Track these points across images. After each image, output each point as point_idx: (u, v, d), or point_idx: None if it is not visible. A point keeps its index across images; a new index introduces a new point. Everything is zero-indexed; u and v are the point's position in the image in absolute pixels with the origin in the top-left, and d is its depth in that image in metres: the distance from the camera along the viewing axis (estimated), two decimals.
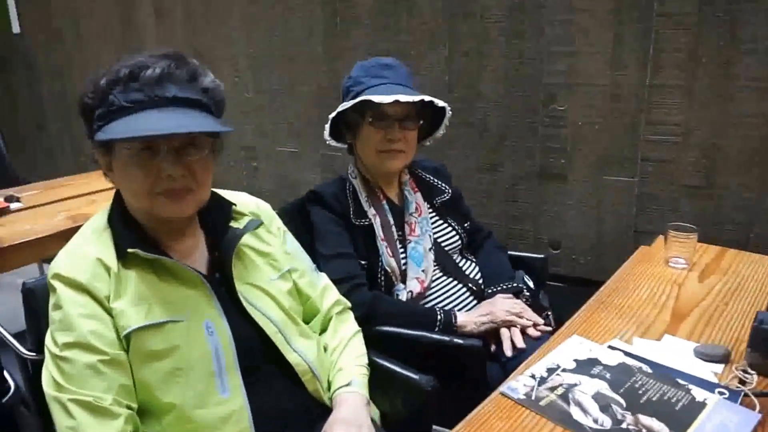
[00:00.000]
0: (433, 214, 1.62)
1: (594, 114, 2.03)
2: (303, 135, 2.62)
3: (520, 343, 1.35)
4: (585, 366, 1.05)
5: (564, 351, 1.10)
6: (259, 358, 1.06)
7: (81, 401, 0.90)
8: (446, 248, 1.58)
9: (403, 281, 1.48)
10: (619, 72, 1.96)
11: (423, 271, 1.49)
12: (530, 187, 2.20)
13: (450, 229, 1.62)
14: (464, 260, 1.63)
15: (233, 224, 1.12)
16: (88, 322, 0.93)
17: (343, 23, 2.42)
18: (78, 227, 1.06)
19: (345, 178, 1.58)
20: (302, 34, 2.52)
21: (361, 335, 1.25)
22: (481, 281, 1.59)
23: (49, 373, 0.93)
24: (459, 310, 1.50)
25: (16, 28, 3.39)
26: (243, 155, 2.82)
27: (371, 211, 1.52)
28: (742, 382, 1.00)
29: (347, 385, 1.11)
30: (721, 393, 0.96)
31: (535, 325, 1.40)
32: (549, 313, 1.52)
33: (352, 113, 1.48)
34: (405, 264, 1.49)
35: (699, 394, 0.96)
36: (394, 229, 1.52)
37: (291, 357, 1.08)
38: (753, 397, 0.95)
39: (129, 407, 0.94)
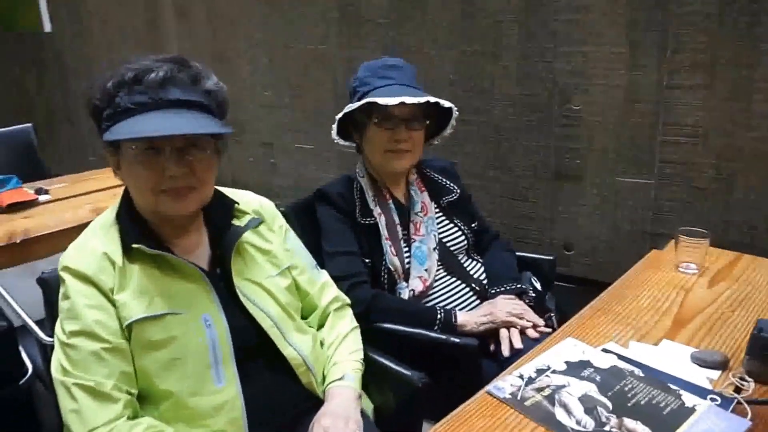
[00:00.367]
0: (440, 213, 1.63)
1: (609, 114, 2.01)
2: (320, 132, 2.66)
3: (518, 344, 1.34)
4: (575, 368, 1.04)
5: (556, 352, 1.10)
6: (255, 351, 1.09)
7: (84, 386, 0.94)
8: (451, 248, 1.59)
9: (406, 279, 1.49)
10: (635, 72, 1.93)
11: (426, 270, 1.50)
12: (544, 188, 2.19)
13: (456, 229, 1.62)
14: (470, 260, 1.63)
15: (235, 222, 1.16)
16: (93, 312, 0.98)
17: (358, 22, 2.44)
18: None
19: (353, 177, 1.60)
20: (319, 33, 2.56)
21: (358, 332, 1.27)
22: (485, 281, 1.59)
23: (57, 358, 0.98)
24: (461, 309, 1.50)
25: (47, 27, 3.54)
26: (261, 152, 2.88)
27: (377, 210, 1.53)
28: (738, 389, 0.99)
29: (340, 379, 1.14)
30: (713, 399, 0.95)
31: (534, 327, 1.39)
32: (552, 314, 1.51)
33: (359, 114, 1.49)
34: (408, 263, 1.50)
35: (689, 399, 0.95)
36: (399, 228, 1.53)
37: (286, 351, 1.11)
38: (745, 404, 0.93)
39: (129, 393, 0.98)
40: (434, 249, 1.54)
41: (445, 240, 1.59)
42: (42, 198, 2.08)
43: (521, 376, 1.03)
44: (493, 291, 1.54)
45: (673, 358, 1.08)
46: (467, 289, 1.55)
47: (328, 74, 2.58)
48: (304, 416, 1.09)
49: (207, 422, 1.01)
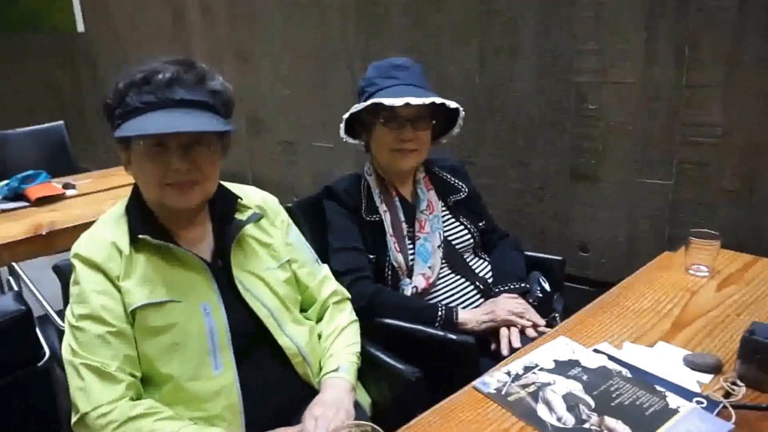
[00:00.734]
0: (446, 212, 1.64)
1: (627, 113, 1.98)
2: (338, 130, 2.70)
3: (516, 343, 1.35)
4: (563, 367, 1.05)
5: (546, 351, 1.10)
6: (254, 341, 1.13)
7: (90, 366, 1.01)
8: (456, 246, 1.60)
9: (410, 276, 1.51)
10: (653, 70, 1.90)
11: (429, 267, 1.51)
12: (560, 187, 2.17)
13: (462, 227, 1.63)
14: (477, 259, 1.64)
15: (238, 216, 1.20)
16: (100, 297, 1.04)
17: (376, 22, 2.47)
18: None
19: (361, 175, 1.63)
20: (337, 32, 2.60)
21: (356, 325, 1.30)
22: (490, 280, 1.59)
23: (66, 340, 1.05)
24: (465, 307, 1.51)
25: (81, 28, 3.69)
26: (281, 150, 2.94)
27: (382, 207, 1.56)
28: (728, 394, 0.97)
29: (335, 370, 1.17)
30: (699, 402, 0.94)
31: (535, 326, 1.39)
32: (557, 315, 1.50)
33: (366, 114, 1.52)
34: (412, 260, 1.52)
35: (674, 401, 0.94)
36: (404, 225, 1.55)
37: (282, 340, 1.14)
38: (731, 408, 0.92)
39: (132, 375, 1.04)
40: (439, 247, 1.55)
41: (450, 238, 1.60)
42: (69, 192, 2.19)
43: (508, 373, 1.04)
44: (497, 290, 1.54)
45: (666, 360, 1.07)
46: (471, 287, 1.56)
47: (347, 73, 2.61)
48: (300, 405, 1.13)
49: (205, 406, 1.05)
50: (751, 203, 1.84)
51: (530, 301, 1.51)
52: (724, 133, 1.83)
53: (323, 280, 1.31)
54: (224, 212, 1.20)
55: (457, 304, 1.51)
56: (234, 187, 1.25)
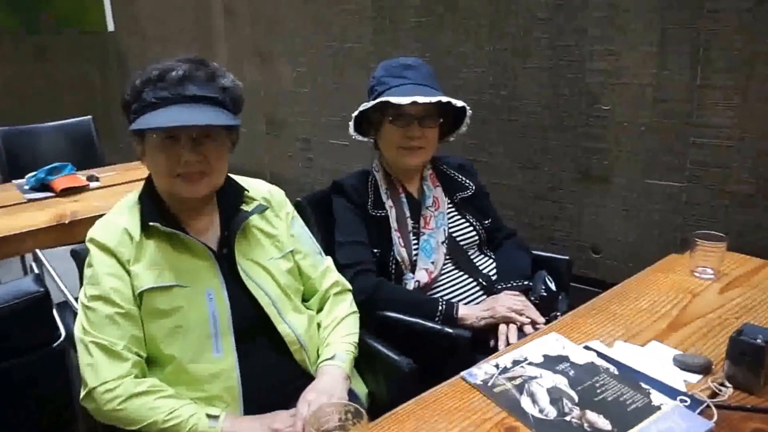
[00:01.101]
0: (452, 209, 1.66)
1: (639, 115, 1.97)
2: None
3: (513, 339, 1.36)
4: (551, 362, 1.06)
5: (536, 346, 1.12)
6: (253, 327, 1.18)
7: (99, 344, 1.07)
8: (461, 243, 1.62)
9: (413, 271, 1.54)
10: (666, 72, 1.89)
11: (432, 262, 1.54)
12: (571, 189, 2.17)
13: (467, 224, 1.65)
14: (481, 256, 1.66)
15: (244, 207, 1.25)
16: (111, 279, 1.10)
17: (391, 23, 2.50)
18: None
19: (369, 171, 1.67)
20: (354, 33, 2.65)
21: (356, 317, 1.33)
22: (494, 277, 1.61)
23: (79, 319, 1.12)
24: (467, 303, 1.53)
25: (110, 27, 3.82)
26: (299, 147, 3.00)
27: (388, 203, 1.59)
28: (715, 394, 0.97)
29: (331, 358, 1.21)
30: (682, 401, 0.95)
31: (533, 324, 1.41)
32: (558, 314, 1.51)
33: (375, 112, 1.55)
34: (416, 254, 1.55)
35: (657, 398, 0.95)
36: (409, 221, 1.58)
37: (281, 328, 1.19)
38: (713, 408, 0.92)
39: (138, 355, 1.10)
40: (443, 242, 1.57)
41: (455, 234, 1.62)
42: (92, 184, 2.28)
43: (497, 365, 1.06)
44: (499, 287, 1.56)
45: (656, 359, 1.07)
46: (474, 283, 1.58)
47: (364, 72, 2.65)
48: (296, 391, 1.16)
49: (204, 387, 1.11)
50: (765, 207, 1.81)
51: (532, 299, 1.52)
52: (738, 135, 1.81)
53: (325, 272, 1.35)
54: (231, 203, 1.25)
55: (460, 300, 1.53)
56: (242, 180, 1.30)
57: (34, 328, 1.29)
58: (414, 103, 1.44)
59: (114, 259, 1.12)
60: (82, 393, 1.07)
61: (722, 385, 0.99)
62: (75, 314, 1.53)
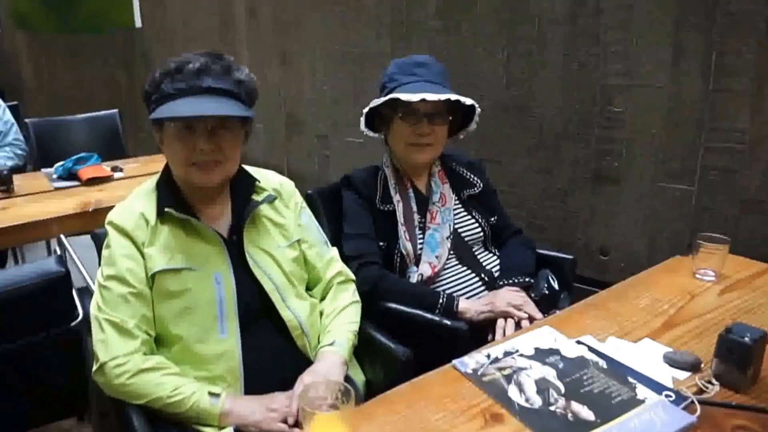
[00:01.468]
0: (459, 205, 1.69)
1: (651, 117, 1.97)
2: None
3: (510, 333, 1.39)
4: (542, 354, 1.09)
5: (528, 338, 1.14)
6: (257, 311, 1.23)
7: (111, 321, 1.13)
8: (466, 238, 1.65)
9: (417, 264, 1.57)
10: (679, 75, 1.89)
11: (436, 257, 1.57)
12: (583, 191, 2.18)
13: (473, 221, 1.68)
14: (486, 252, 1.68)
15: (254, 197, 1.31)
16: (127, 260, 1.17)
17: (408, 26, 2.54)
18: None
19: (379, 166, 1.71)
20: (372, 35, 2.69)
21: (357, 306, 1.38)
22: (497, 273, 1.63)
23: (94, 297, 1.18)
24: (468, 297, 1.56)
25: (138, 23, 3.94)
26: (317, 144, 3.06)
27: (396, 198, 1.63)
28: (701, 391, 0.99)
29: (330, 344, 1.25)
30: (667, 396, 0.96)
31: (531, 320, 1.43)
32: (558, 311, 1.53)
33: (385, 108, 1.59)
34: (421, 248, 1.58)
35: (643, 392, 0.97)
36: (416, 215, 1.62)
37: (284, 313, 1.24)
38: (697, 404, 0.94)
39: (147, 334, 1.16)
40: (447, 238, 1.60)
41: (460, 230, 1.65)
42: (116, 175, 2.37)
43: (488, 356, 1.09)
44: (501, 283, 1.58)
45: (646, 355, 1.09)
46: (476, 278, 1.61)
47: (380, 74, 2.70)
48: (296, 375, 1.21)
49: (208, 367, 1.16)
50: None
51: (533, 296, 1.54)
52: (750, 140, 1.80)
53: (330, 261, 1.39)
54: (243, 193, 1.30)
55: (462, 294, 1.56)
56: (254, 171, 1.36)
57: (53, 307, 1.36)
58: (423, 100, 1.48)
59: (130, 241, 1.18)
60: (94, 367, 1.13)
61: (709, 382, 1.00)
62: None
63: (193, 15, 3.65)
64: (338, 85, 2.91)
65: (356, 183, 1.65)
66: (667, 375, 1.03)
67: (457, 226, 1.65)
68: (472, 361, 1.07)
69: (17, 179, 2.30)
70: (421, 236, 1.60)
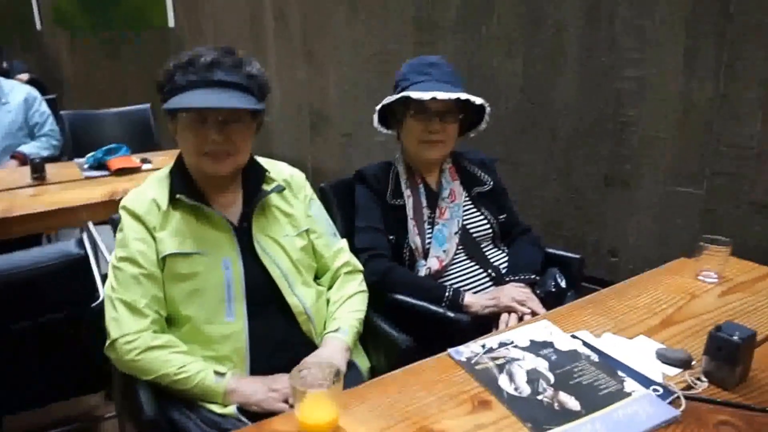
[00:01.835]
0: (469, 202, 1.72)
1: (663, 122, 1.97)
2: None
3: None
4: (536, 346, 1.12)
5: (524, 331, 1.17)
6: (264, 296, 1.28)
7: (124, 300, 1.20)
8: (474, 234, 1.68)
9: (425, 258, 1.61)
10: (691, 81, 1.88)
11: (444, 251, 1.61)
12: (596, 193, 2.18)
13: (482, 217, 1.71)
14: (494, 248, 1.71)
15: (264, 186, 1.36)
16: (138, 243, 1.23)
17: (430, 30, 2.59)
18: None
19: (391, 162, 1.75)
20: (395, 38, 2.75)
21: (364, 295, 1.42)
22: (504, 269, 1.66)
23: (109, 278, 1.25)
24: (475, 292, 1.59)
25: (171, 23, 4.06)
26: (340, 142, 3.12)
27: (407, 193, 1.67)
28: (690, 387, 1.00)
29: (335, 330, 1.30)
30: (655, 390, 0.98)
31: (534, 315, 1.45)
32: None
33: (398, 106, 1.64)
34: (429, 243, 1.62)
35: (630, 386, 0.99)
36: (425, 210, 1.66)
37: (290, 299, 1.29)
38: (683, 399, 0.95)
39: (158, 313, 1.22)
40: (456, 233, 1.64)
41: (469, 226, 1.68)
42: (145, 166, 2.47)
43: (483, 346, 1.12)
44: (507, 279, 1.61)
45: (639, 351, 1.11)
46: (484, 274, 1.64)
47: None
48: (300, 358, 1.25)
49: (215, 347, 1.22)
50: None
51: (538, 293, 1.57)
52: (760, 145, 1.78)
53: (338, 252, 1.44)
54: (253, 182, 1.35)
55: (468, 289, 1.59)
56: (266, 162, 1.41)
57: (72, 287, 1.44)
58: (434, 98, 1.52)
59: (142, 225, 1.24)
60: (107, 344, 1.20)
61: (698, 379, 1.02)
62: None
63: (224, 16, 3.76)
64: (362, 84, 2.97)
65: (368, 178, 1.70)
66: (657, 371, 1.05)
67: (466, 223, 1.68)
68: (467, 350, 1.11)
69: (50, 168, 2.41)
70: (429, 231, 1.64)
